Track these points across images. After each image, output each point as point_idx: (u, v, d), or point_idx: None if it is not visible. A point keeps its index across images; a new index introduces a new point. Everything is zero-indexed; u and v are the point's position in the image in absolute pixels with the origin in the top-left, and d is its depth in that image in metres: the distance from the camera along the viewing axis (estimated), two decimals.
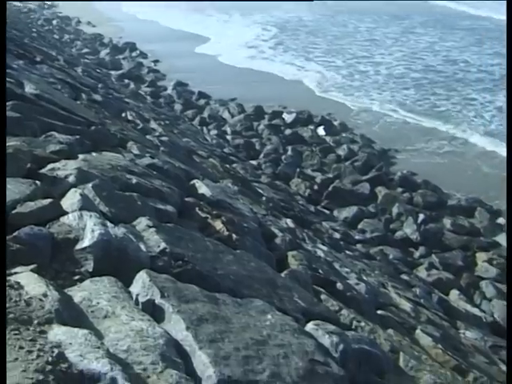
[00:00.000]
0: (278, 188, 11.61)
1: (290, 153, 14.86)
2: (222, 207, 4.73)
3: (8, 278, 2.30)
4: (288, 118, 17.58)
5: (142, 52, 26.95)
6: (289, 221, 7.03)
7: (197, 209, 4.31)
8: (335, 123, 17.52)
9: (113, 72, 22.05)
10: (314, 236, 7.30)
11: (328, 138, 16.35)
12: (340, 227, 10.84)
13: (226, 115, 18.10)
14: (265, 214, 6.37)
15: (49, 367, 1.83)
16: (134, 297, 2.55)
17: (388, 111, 19.19)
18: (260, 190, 9.18)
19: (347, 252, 7.88)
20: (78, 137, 4.78)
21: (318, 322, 3.07)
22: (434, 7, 41.40)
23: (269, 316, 2.80)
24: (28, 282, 2.29)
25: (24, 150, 3.72)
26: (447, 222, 11.53)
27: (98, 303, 2.37)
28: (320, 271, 4.70)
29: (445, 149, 16.03)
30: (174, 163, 5.87)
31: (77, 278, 2.63)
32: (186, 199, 4.50)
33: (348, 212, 11.89)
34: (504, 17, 34.13)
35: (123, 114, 9.53)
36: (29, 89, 5.97)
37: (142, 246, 3.01)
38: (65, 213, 3.08)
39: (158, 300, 2.53)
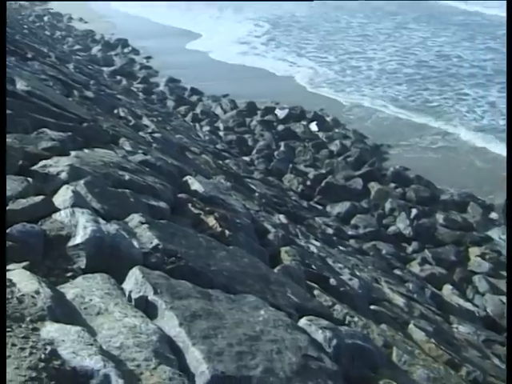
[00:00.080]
0: (270, 184, 11.61)
1: (282, 148, 14.86)
2: (214, 203, 4.73)
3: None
4: (280, 113, 17.57)
5: (134, 48, 26.88)
6: (282, 216, 7.03)
7: (190, 205, 4.31)
8: (328, 119, 17.52)
9: (105, 68, 21.98)
10: (307, 232, 7.31)
11: (321, 134, 16.35)
12: (333, 223, 10.86)
13: (218, 111, 18.09)
14: (258, 209, 6.37)
15: (41, 364, 1.82)
16: (127, 293, 2.55)
17: (380, 107, 19.18)
18: (253, 186, 9.18)
19: (340, 247, 7.90)
20: (70, 133, 4.76)
21: (311, 317, 3.07)
22: (426, 2, 41.39)
23: (262, 312, 2.80)
24: (20, 279, 2.28)
25: (16, 146, 3.71)
26: (440, 216, 11.56)
27: (91, 300, 2.37)
28: (313, 267, 4.70)
29: (438, 144, 16.04)
30: (166, 160, 5.86)
31: (69, 274, 2.62)
32: (179, 195, 4.49)
33: (341, 207, 11.90)
34: (496, 12, 34.32)
35: (115, 111, 9.50)
36: (20, 85, 5.94)
37: (135, 243, 3.00)
38: (57, 210, 3.07)
39: (151, 296, 2.52)
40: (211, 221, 4.10)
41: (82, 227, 2.85)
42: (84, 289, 2.44)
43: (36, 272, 2.44)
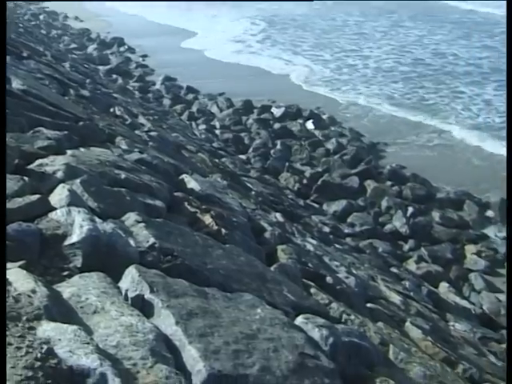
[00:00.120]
0: (267, 182, 11.61)
1: (278, 147, 14.85)
2: (211, 202, 4.73)
3: None
4: (277, 112, 17.56)
5: (129, 47, 26.83)
6: (278, 215, 7.03)
7: (186, 203, 4.30)
8: (324, 117, 17.53)
9: (101, 67, 21.93)
10: (304, 230, 7.31)
11: (317, 132, 16.36)
12: (329, 221, 10.87)
13: (214, 110, 18.09)
14: (254, 208, 6.37)
15: (38, 363, 1.82)
16: (123, 292, 2.54)
17: (376, 105, 19.19)
18: (249, 185, 9.17)
19: (337, 245, 7.90)
20: (66, 132, 4.75)
21: (308, 315, 3.07)
22: (423, 2, 41.40)
23: (258, 310, 2.80)
24: (16, 278, 2.28)
25: (12, 145, 3.70)
26: (436, 214, 11.58)
27: (87, 299, 2.36)
28: (309, 265, 4.70)
29: (434, 142, 16.06)
30: (162, 158, 5.86)
31: (65, 273, 2.62)
32: (175, 194, 4.49)
33: (337, 206, 11.91)
34: (492, 10, 34.39)
35: (111, 110, 9.49)
36: (16, 84, 5.93)
37: (131, 242, 3.00)
38: (53, 208, 3.07)
39: (148, 295, 2.52)
40: (207, 219, 4.10)
41: (78, 226, 2.85)
42: (80, 288, 2.44)
43: (32, 271, 2.44)
